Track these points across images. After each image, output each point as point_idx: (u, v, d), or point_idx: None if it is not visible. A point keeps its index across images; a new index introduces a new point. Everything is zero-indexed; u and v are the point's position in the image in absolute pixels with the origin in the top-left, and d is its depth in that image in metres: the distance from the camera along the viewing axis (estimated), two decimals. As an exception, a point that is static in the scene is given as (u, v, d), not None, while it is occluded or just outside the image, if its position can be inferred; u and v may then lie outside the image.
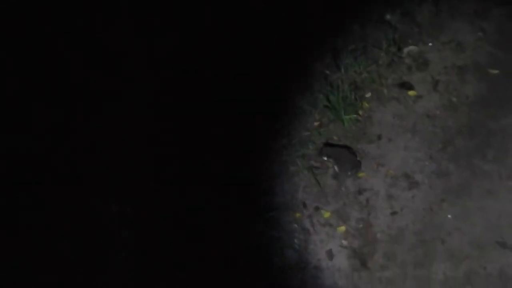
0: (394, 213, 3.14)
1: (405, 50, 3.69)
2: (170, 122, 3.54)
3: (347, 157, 3.34)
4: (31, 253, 3.10)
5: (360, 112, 3.48)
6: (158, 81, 3.69)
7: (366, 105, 3.51)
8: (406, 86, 3.55)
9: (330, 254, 3.07)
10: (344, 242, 3.09)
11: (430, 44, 3.70)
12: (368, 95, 3.55)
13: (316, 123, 3.50)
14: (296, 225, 3.17)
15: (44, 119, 3.52)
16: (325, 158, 3.36)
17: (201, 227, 3.19)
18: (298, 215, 3.20)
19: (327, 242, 3.11)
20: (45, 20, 3.75)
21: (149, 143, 3.48)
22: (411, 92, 3.52)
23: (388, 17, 3.85)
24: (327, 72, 3.68)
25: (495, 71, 3.51)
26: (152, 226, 3.20)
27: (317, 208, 3.21)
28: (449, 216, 3.08)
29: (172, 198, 3.28)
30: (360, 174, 3.29)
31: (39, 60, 3.68)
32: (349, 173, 3.29)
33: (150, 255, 3.13)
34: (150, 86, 3.68)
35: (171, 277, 3.05)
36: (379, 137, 3.41)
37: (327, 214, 3.18)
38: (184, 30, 3.88)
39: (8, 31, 3.64)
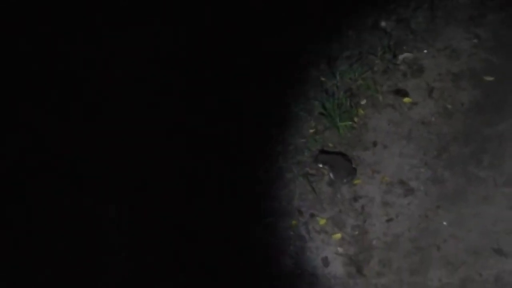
0: (389, 220, 2.97)
1: (400, 57, 3.50)
2: (169, 122, 3.38)
3: (343, 164, 3.16)
4: (31, 253, 3.00)
5: (356, 119, 3.32)
6: (158, 81, 3.57)
7: (361, 112, 3.35)
8: (401, 93, 3.37)
9: (326, 261, 2.90)
10: (340, 249, 2.93)
11: (425, 50, 3.52)
12: (363, 102, 3.38)
13: (311, 130, 3.33)
14: (291, 232, 3.01)
15: (44, 119, 3.41)
16: (321, 165, 3.18)
17: (200, 228, 3.03)
18: (293, 222, 3.04)
19: (322, 249, 2.94)
20: (45, 20, 3.67)
21: (149, 143, 3.32)
22: (406, 99, 3.35)
23: (383, 24, 3.68)
24: (323, 78, 3.52)
25: (490, 78, 3.33)
26: (152, 226, 3.05)
27: (312, 215, 3.05)
28: (445, 222, 2.90)
29: (171, 199, 3.12)
30: (356, 181, 3.12)
31: (39, 59, 3.60)
32: (345, 180, 3.12)
33: (150, 255, 2.98)
34: (150, 86, 3.56)
35: (171, 277, 2.91)
36: (375, 144, 3.23)
37: (322, 221, 3.01)
38: (184, 30, 3.77)
39: (8, 31, 3.57)
